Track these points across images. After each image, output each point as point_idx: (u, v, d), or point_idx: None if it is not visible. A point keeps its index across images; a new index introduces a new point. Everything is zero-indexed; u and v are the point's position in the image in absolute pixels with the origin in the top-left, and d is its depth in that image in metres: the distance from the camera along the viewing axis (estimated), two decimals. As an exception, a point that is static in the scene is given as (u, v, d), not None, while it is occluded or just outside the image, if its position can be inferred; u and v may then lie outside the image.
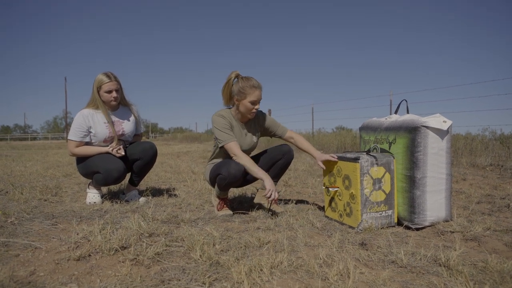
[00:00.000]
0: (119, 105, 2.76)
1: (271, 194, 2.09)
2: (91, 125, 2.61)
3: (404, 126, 2.04)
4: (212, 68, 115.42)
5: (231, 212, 2.39)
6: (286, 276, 1.34)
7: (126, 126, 2.76)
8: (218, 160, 2.46)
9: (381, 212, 2.02)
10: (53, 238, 1.78)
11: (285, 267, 1.41)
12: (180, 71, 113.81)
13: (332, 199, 2.26)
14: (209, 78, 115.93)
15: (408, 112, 2.24)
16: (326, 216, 2.32)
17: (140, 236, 1.77)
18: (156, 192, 3.21)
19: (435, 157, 1.98)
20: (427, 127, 1.95)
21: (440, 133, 1.98)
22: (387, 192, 2.04)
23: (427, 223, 1.99)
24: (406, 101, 2.31)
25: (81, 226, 1.91)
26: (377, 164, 2.01)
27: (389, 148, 2.13)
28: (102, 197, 2.75)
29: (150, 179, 4.20)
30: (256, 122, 2.51)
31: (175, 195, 3.09)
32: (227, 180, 2.22)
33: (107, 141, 2.67)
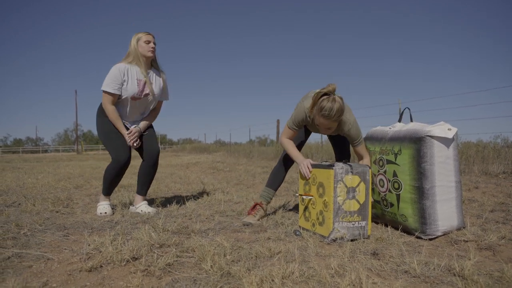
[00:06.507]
0: (151, 66, 2.82)
1: (304, 170, 2.17)
2: (125, 79, 2.64)
3: (408, 137, 2.01)
4: (220, 78, 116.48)
5: (252, 222, 2.38)
6: (297, 287, 1.33)
7: (154, 89, 2.80)
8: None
9: (354, 223, 1.95)
10: (65, 249, 1.80)
11: (297, 277, 1.40)
12: (188, 82, 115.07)
13: (305, 208, 2.20)
14: (218, 88, 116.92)
15: (411, 120, 2.22)
16: (300, 226, 2.26)
17: (151, 247, 1.78)
18: (166, 203, 3.23)
19: (443, 165, 1.95)
20: (431, 136, 1.91)
21: (446, 141, 1.95)
22: (361, 202, 1.97)
23: (439, 233, 1.95)
24: (409, 109, 2.30)
25: (93, 237, 1.92)
26: (352, 172, 1.96)
27: (395, 159, 2.10)
28: (112, 208, 2.77)
29: (160, 190, 4.22)
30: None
31: (185, 205, 3.10)
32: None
33: (135, 98, 2.70)
